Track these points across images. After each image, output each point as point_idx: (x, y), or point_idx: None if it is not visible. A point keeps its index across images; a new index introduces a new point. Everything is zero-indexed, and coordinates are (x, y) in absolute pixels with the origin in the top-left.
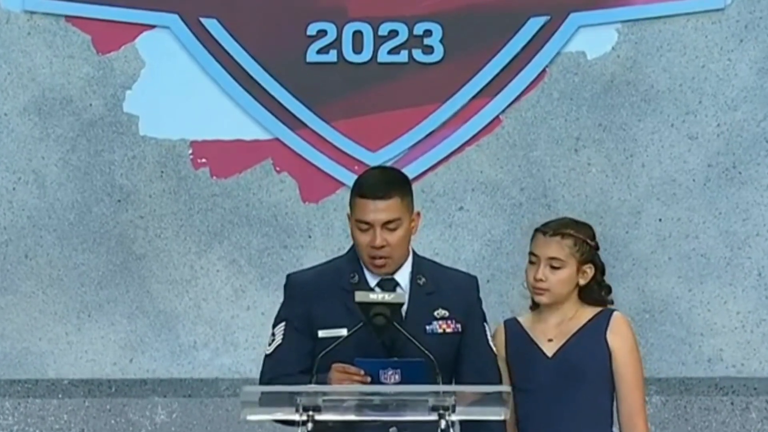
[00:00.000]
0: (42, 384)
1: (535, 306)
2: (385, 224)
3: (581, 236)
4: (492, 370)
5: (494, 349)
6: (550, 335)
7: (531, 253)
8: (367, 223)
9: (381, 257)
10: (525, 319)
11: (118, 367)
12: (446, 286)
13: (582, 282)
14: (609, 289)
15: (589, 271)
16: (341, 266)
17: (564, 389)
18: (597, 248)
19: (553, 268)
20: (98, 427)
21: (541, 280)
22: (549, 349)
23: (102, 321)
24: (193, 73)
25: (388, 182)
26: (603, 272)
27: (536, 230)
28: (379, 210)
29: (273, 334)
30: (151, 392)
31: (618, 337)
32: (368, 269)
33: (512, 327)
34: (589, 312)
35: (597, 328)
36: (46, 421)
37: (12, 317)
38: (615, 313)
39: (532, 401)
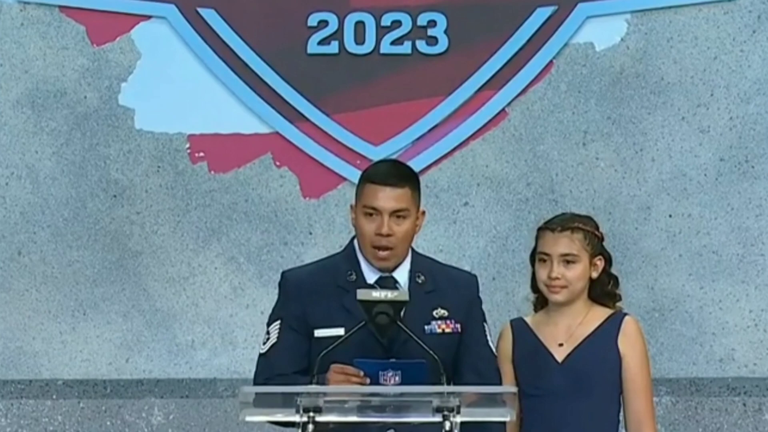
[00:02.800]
0: (36, 384)
1: (540, 307)
2: (393, 212)
3: (589, 229)
4: (491, 372)
5: (494, 350)
6: (561, 339)
7: (541, 252)
8: (375, 209)
9: (385, 247)
10: (532, 319)
11: (114, 367)
12: (446, 285)
13: (594, 275)
14: (617, 281)
15: (600, 263)
16: (338, 264)
17: (572, 395)
18: (603, 239)
19: (568, 263)
20: (93, 428)
21: (557, 278)
22: (559, 355)
23: (97, 320)
24: (191, 65)
25: (400, 172)
26: (611, 263)
27: (541, 228)
28: (390, 197)
29: (268, 333)
30: (147, 393)
31: (629, 343)
32: (368, 262)
33: (520, 328)
34: (599, 314)
35: (608, 333)
36: (39, 422)
37: (5, 316)
38: (626, 317)
39: (539, 406)
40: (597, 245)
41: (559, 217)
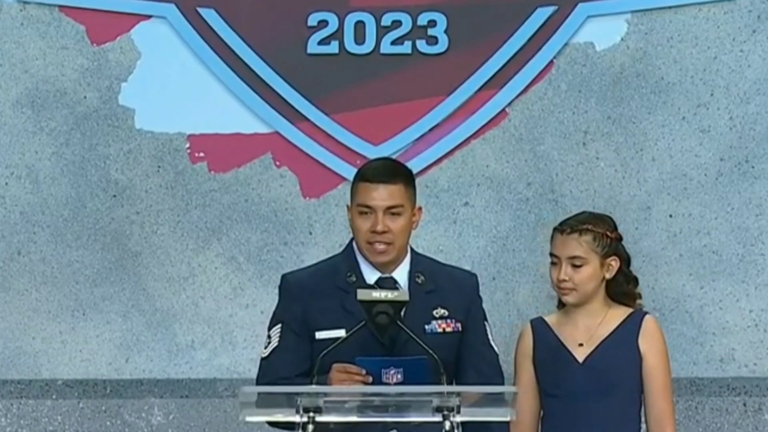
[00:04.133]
0: (35, 384)
1: (562, 305)
2: (388, 209)
3: (600, 230)
4: (493, 371)
5: (496, 349)
6: (581, 339)
7: (551, 254)
8: (369, 207)
9: (382, 243)
10: (552, 319)
11: (114, 367)
12: (445, 285)
13: (608, 276)
14: (636, 281)
15: (614, 263)
16: (338, 265)
17: (594, 395)
18: (620, 239)
19: (575, 266)
20: (93, 428)
21: (564, 280)
22: (580, 355)
23: (97, 320)
24: (191, 64)
25: (393, 169)
26: (629, 263)
27: (554, 229)
28: (383, 194)
29: (269, 337)
30: (147, 393)
31: (650, 342)
32: (368, 262)
33: (540, 328)
34: (619, 314)
35: (629, 333)
36: (39, 422)
37: (4, 316)
38: (646, 316)
39: (560, 406)
40: (610, 246)
41: (573, 218)
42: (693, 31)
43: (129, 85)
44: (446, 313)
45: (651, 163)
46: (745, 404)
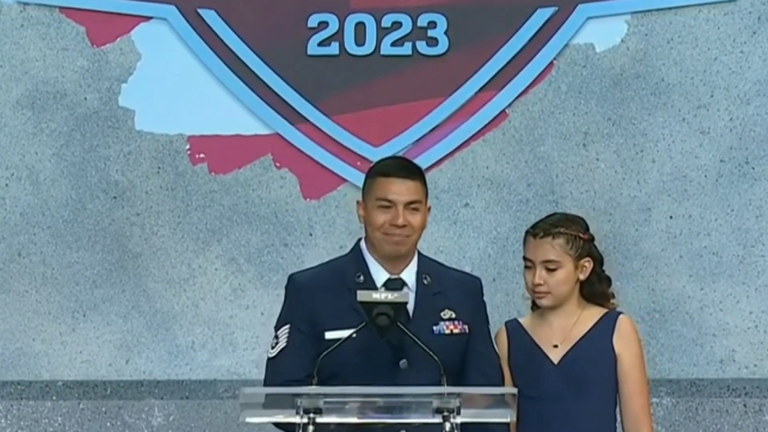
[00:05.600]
0: (35, 386)
1: (536, 306)
2: (408, 204)
3: (572, 232)
4: (497, 374)
5: (498, 351)
6: (555, 340)
7: (525, 258)
8: (390, 201)
9: (400, 235)
10: (527, 320)
11: (114, 369)
12: (451, 287)
13: (582, 277)
14: (609, 281)
15: (588, 265)
16: (346, 266)
17: (569, 396)
18: (592, 240)
19: (549, 270)
20: (93, 429)
21: (539, 284)
22: (554, 356)
23: (97, 321)
24: (191, 66)
25: (410, 166)
26: (602, 263)
27: (526, 233)
28: (403, 189)
29: (276, 337)
30: (147, 394)
31: (624, 341)
32: (376, 261)
33: (515, 330)
34: (594, 314)
35: (603, 332)
36: (39, 423)
37: (5, 317)
38: (621, 316)
39: (536, 408)
40: (583, 247)
41: (545, 221)
42: (693, 32)
43: (129, 87)
44: (453, 315)
45: (651, 165)
46: (745, 405)
